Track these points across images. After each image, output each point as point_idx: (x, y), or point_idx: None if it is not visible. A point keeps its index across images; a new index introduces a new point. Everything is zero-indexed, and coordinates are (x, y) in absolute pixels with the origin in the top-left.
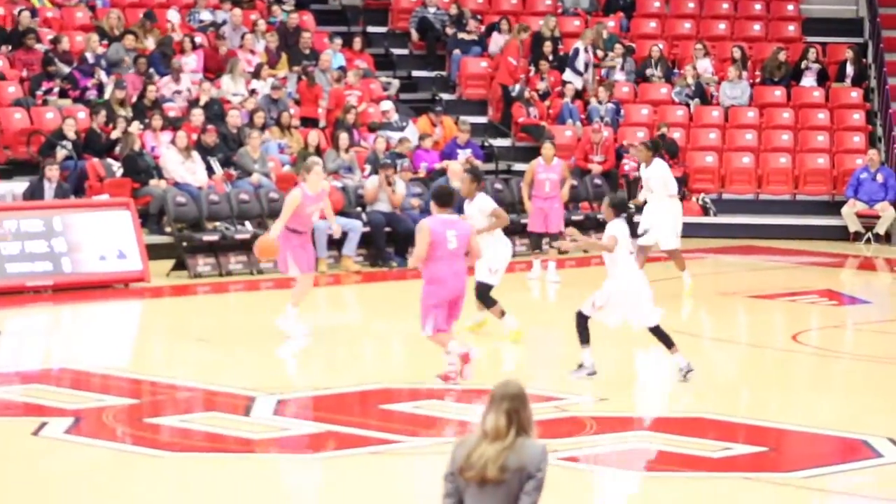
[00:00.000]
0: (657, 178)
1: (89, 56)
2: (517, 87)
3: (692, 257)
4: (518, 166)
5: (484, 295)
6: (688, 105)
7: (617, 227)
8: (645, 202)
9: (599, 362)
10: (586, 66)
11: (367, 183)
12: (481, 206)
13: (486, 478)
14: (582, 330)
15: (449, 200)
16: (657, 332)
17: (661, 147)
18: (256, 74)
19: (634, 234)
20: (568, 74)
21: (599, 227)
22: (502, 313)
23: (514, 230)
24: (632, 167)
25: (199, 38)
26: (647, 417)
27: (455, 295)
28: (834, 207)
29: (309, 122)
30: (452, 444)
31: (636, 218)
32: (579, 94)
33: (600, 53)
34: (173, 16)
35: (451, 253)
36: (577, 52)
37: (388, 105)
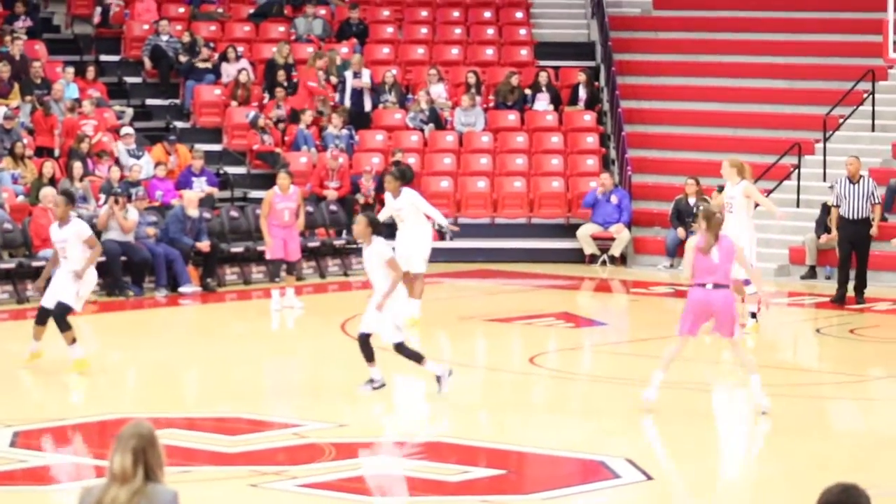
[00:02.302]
0: (409, 207)
1: None
2: (252, 113)
3: (429, 282)
4: (254, 193)
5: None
6: (422, 130)
7: (387, 247)
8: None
9: (337, 389)
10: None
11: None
12: (77, 231)
13: None
14: (411, 354)
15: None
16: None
17: (409, 174)
18: None
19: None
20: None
21: (336, 252)
22: (73, 340)
23: (252, 258)
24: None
25: None
26: (386, 442)
27: None
28: (569, 230)
29: (45, 151)
30: (78, 494)
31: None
32: (315, 121)
33: (333, 79)
34: None
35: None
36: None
37: (128, 130)
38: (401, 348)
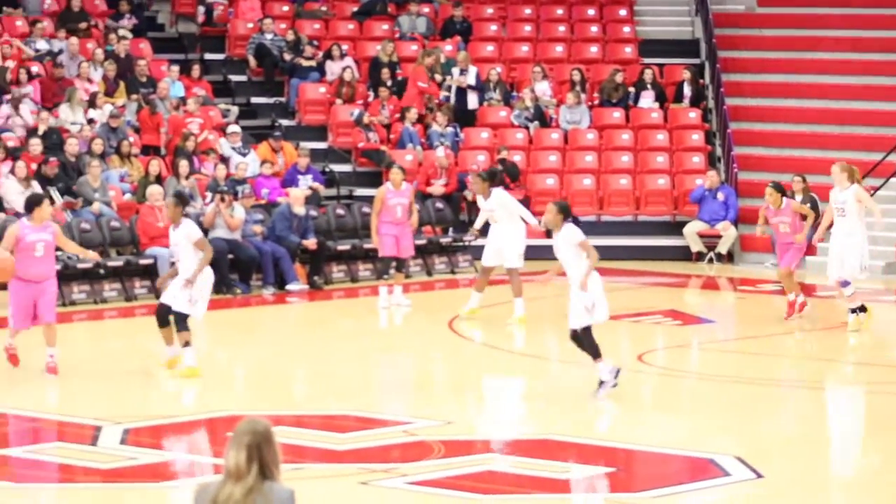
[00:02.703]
0: (500, 208)
1: None
2: (356, 111)
3: (536, 280)
4: (360, 191)
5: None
6: (527, 128)
7: (577, 230)
8: (478, 232)
9: (445, 386)
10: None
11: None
12: (188, 233)
13: None
14: (591, 345)
15: None
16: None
17: (498, 175)
18: (92, 103)
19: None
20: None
21: (442, 250)
22: (187, 343)
23: (358, 255)
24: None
25: (35, 68)
26: (495, 440)
27: None
28: (675, 228)
29: (151, 149)
30: (194, 491)
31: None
32: (421, 118)
33: (438, 77)
34: (9, 46)
35: None
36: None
37: (234, 128)
38: (577, 336)
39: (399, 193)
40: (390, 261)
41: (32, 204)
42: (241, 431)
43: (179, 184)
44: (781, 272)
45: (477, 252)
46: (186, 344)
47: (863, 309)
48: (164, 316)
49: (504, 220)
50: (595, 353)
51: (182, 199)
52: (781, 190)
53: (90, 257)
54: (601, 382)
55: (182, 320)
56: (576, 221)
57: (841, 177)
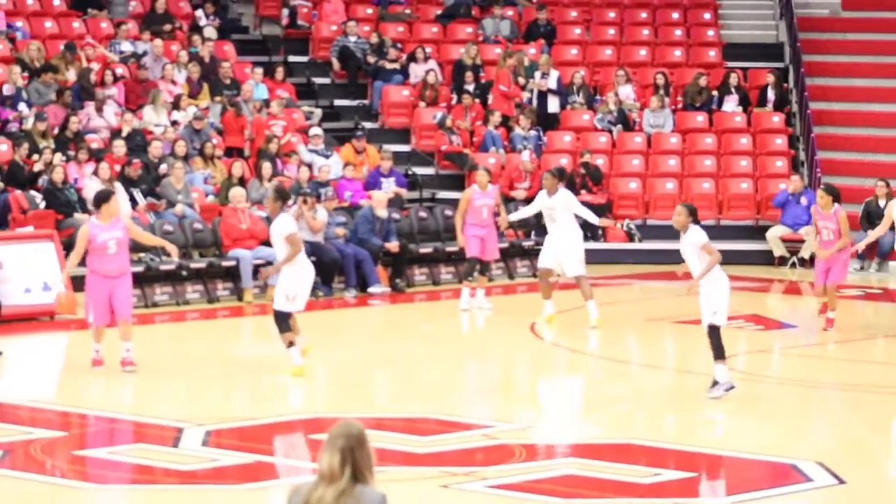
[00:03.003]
0: (562, 207)
1: (7, 88)
2: (439, 114)
3: (618, 284)
4: (442, 194)
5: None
6: (610, 131)
7: (701, 233)
8: (514, 223)
9: (526, 390)
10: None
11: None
12: (280, 228)
13: None
14: (717, 345)
15: None
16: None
17: (567, 175)
18: (176, 105)
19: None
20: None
21: (525, 253)
22: (291, 344)
23: (440, 258)
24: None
25: (120, 70)
26: (575, 444)
27: None
28: (758, 232)
29: (234, 151)
30: (287, 492)
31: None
32: (505, 121)
33: (521, 80)
34: (93, 48)
35: None
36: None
37: (316, 131)
38: (713, 332)
39: (485, 195)
40: (475, 262)
41: (100, 200)
42: (335, 434)
43: (262, 186)
44: (828, 288)
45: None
46: (290, 344)
47: None
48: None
49: (563, 221)
50: (719, 353)
51: (281, 194)
52: (833, 193)
53: (169, 248)
54: (715, 382)
55: (282, 320)
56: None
57: None
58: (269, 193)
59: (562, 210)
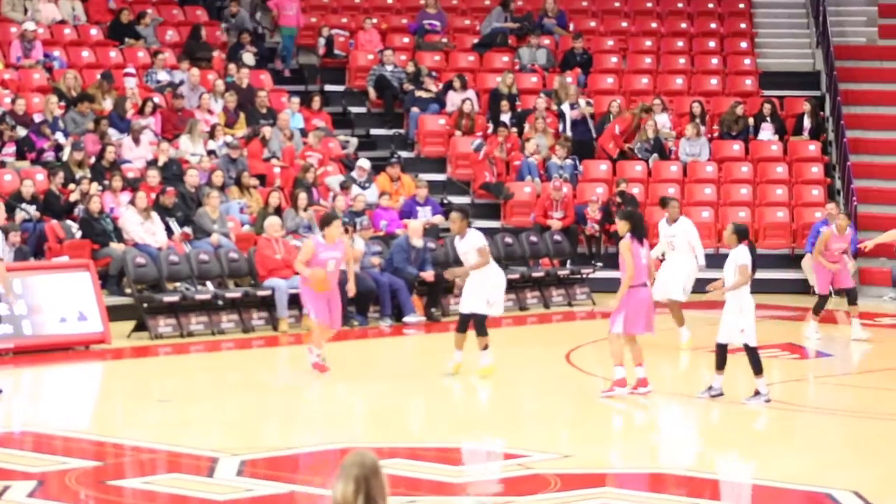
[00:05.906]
0: (682, 235)
1: (40, 117)
2: (477, 141)
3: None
4: (478, 223)
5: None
6: (646, 160)
7: (745, 254)
8: (663, 256)
9: (562, 417)
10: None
11: None
12: (472, 243)
13: None
14: (754, 360)
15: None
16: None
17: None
18: (212, 134)
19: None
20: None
21: (560, 282)
22: (486, 346)
23: None
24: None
25: (156, 99)
26: (612, 474)
27: None
28: (794, 261)
29: (258, 179)
30: None
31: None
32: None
33: (556, 109)
34: (131, 78)
35: None
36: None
37: (363, 164)
38: (751, 351)
39: (841, 238)
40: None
41: (324, 224)
42: (348, 464)
43: (298, 215)
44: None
45: (595, 284)
46: (485, 347)
47: None
48: (465, 322)
49: (681, 249)
50: (757, 368)
51: (466, 213)
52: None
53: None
54: (757, 392)
55: (481, 324)
56: (751, 246)
57: None
58: (454, 214)
59: (681, 238)
